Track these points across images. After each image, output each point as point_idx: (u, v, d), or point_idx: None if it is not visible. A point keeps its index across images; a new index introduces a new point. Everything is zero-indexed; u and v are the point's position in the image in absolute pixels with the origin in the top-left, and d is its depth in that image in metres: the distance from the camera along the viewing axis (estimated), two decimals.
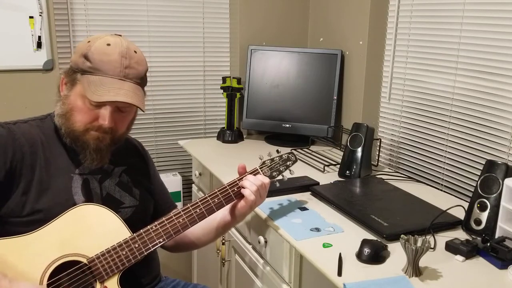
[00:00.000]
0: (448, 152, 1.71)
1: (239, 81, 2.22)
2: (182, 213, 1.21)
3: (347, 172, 1.72)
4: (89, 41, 1.17)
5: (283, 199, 1.53)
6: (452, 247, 1.20)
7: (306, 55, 2.18)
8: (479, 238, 1.22)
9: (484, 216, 1.27)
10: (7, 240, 1.08)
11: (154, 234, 1.17)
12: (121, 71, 1.14)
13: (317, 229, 1.31)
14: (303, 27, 2.42)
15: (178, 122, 2.40)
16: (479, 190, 1.30)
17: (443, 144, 1.72)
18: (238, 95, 2.24)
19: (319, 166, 1.86)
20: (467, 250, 1.17)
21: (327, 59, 2.14)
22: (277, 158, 1.39)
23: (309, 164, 1.90)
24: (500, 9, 1.49)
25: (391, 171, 1.88)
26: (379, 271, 1.11)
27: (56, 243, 1.10)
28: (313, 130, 2.17)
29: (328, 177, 1.74)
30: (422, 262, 1.11)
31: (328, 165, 1.84)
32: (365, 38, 1.98)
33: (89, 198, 1.20)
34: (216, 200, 1.25)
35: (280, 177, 1.39)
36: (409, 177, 1.79)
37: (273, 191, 1.54)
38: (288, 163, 1.40)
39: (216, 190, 1.27)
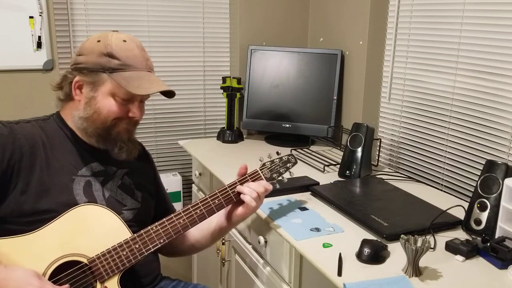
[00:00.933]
0: (448, 152, 1.71)
1: (239, 81, 2.22)
2: (182, 213, 1.21)
3: (347, 172, 1.72)
4: (99, 41, 1.18)
5: (283, 199, 1.53)
6: (452, 247, 1.20)
7: (306, 55, 2.18)
8: (479, 238, 1.22)
9: (484, 216, 1.27)
10: (8, 240, 1.08)
11: (155, 234, 1.17)
12: (146, 64, 1.22)
13: (317, 229, 1.31)
14: (303, 27, 2.42)
15: (178, 122, 2.40)
16: (479, 190, 1.30)
17: (443, 144, 1.72)
18: (238, 95, 2.24)
19: (319, 166, 1.86)
20: (467, 250, 1.17)
21: (327, 59, 2.14)
22: (277, 160, 1.39)
23: (309, 164, 1.90)
24: (500, 9, 1.49)
25: (391, 171, 1.88)
26: (379, 271, 1.11)
27: (56, 243, 1.10)
28: (313, 130, 2.17)
29: (328, 177, 1.74)
30: (422, 262, 1.11)
31: (328, 165, 1.84)
32: (365, 38, 1.98)
33: (92, 199, 1.21)
34: (217, 201, 1.26)
35: (280, 178, 1.39)
36: (409, 177, 1.79)
37: (273, 192, 1.54)
38: (288, 165, 1.40)
39: (217, 191, 1.27)
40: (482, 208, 1.28)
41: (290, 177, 1.42)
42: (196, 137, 2.42)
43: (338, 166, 1.80)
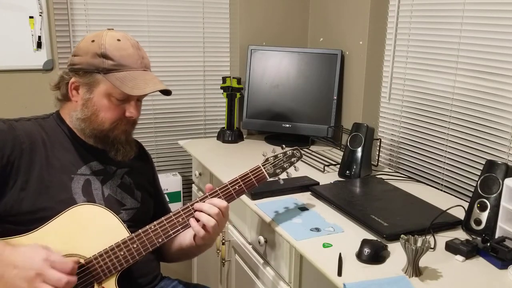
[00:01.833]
0: (448, 152, 1.71)
1: (239, 81, 2.22)
2: (181, 212, 1.20)
3: (347, 172, 1.72)
4: (93, 41, 1.18)
5: (283, 199, 1.53)
6: (452, 247, 1.20)
7: (306, 55, 2.18)
8: (479, 238, 1.22)
9: (484, 216, 1.27)
10: (7, 241, 1.08)
11: (153, 234, 1.17)
12: (141, 63, 1.21)
13: (317, 229, 1.31)
14: (303, 27, 2.42)
15: (178, 122, 2.40)
16: (479, 190, 1.29)
17: (443, 144, 1.72)
18: (238, 95, 2.24)
19: (319, 166, 1.86)
20: (467, 250, 1.17)
21: (327, 59, 2.14)
22: (281, 154, 1.35)
23: (309, 164, 1.90)
24: (500, 9, 1.49)
25: (391, 171, 1.88)
26: (379, 271, 1.11)
27: (54, 244, 1.10)
28: (313, 130, 2.17)
29: (328, 177, 1.74)
30: (422, 262, 1.11)
31: (328, 165, 1.84)
32: (365, 38, 1.98)
33: (90, 198, 1.21)
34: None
35: (284, 174, 1.35)
36: (409, 177, 1.79)
37: (273, 191, 1.55)
38: (292, 159, 1.36)
39: (217, 189, 1.26)
40: (482, 208, 1.28)
41: (295, 172, 1.38)
42: (196, 137, 2.42)
43: (338, 166, 1.80)
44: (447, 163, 1.71)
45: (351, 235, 1.29)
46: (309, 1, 2.39)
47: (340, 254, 1.17)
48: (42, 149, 1.18)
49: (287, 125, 2.21)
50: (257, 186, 1.29)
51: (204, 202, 1.19)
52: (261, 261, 1.55)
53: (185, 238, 1.34)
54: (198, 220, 1.18)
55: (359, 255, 1.16)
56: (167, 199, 1.52)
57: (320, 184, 1.62)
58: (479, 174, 1.32)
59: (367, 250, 1.15)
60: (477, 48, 1.57)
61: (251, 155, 1.99)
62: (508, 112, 1.48)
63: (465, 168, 1.64)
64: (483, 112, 1.57)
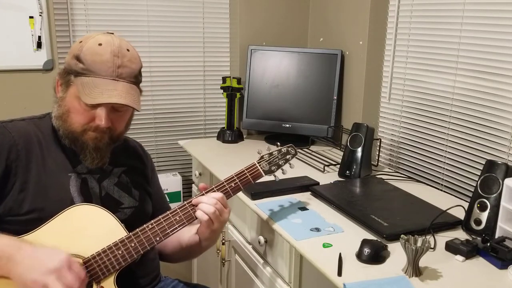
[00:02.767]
0: (448, 152, 1.71)
1: (239, 81, 2.22)
2: (178, 210, 1.20)
3: (347, 172, 1.72)
4: (81, 41, 1.17)
5: (283, 199, 1.53)
6: (452, 247, 1.20)
7: (306, 55, 2.18)
8: (479, 238, 1.22)
9: (484, 216, 1.27)
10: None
11: (151, 232, 1.16)
12: (114, 71, 1.14)
13: (317, 229, 1.31)
14: (303, 27, 2.42)
15: (178, 122, 2.40)
16: (479, 190, 1.29)
17: (443, 144, 1.72)
18: (238, 95, 2.24)
19: (319, 166, 1.86)
20: (467, 250, 1.17)
21: (327, 59, 2.14)
22: (276, 152, 1.36)
23: (309, 164, 1.90)
24: (500, 9, 1.49)
25: (391, 171, 1.88)
26: (379, 271, 1.11)
27: (51, 244, 1.10)
28: (313, 130, 2.17)
29: (328, 177, 1.74)
30: (422, 262, 1.11)
31: (328, 165, 1.84)
32: (365, 38, 1.98)
33: (88, 197, 1.20)
34: None
35: (279, 171, 1.36)
36: (409, 177, 1.79)
37: (273, 191, 1.55)
38: (287, 156, 1.37)
39: (214, 187, 1.26)
40: (482, 208, 1.28)
41: (290, 169, 1.39)
42: (196, 137, 2.42)
43: (338, 166, 1.80)
44: (447, 163, 1.71)
45: (351, 235, 1.29)
46: (309, 1, 2.39)
47: (340, 254, 1.17)
48: (38, 149, 1.17)
49: (287, 125, 2.21)
50: (253, 183, 1.30)
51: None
52: (261, 261, 1.55)
53: (185, 236, 1.34)
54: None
55: (359, 255, 1.16)
56: (167, 199, 1.51)
57: (320, 184, 1.62)
58: (479, 174, 1.32)
59: (367, 250, 1.15)
60: (477, 48, 1.57)
61: (251, 155, 1.97)
62: (508, 112, 1.48)
63: (465, 168, 1.64)
64: (483, 112, 1.56)
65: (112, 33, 1.21)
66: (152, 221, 1.18)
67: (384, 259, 1.17)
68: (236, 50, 2.34)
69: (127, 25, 2.20)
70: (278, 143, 1.40)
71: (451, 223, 1.34)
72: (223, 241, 1.76)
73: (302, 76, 2.19)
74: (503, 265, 1.12)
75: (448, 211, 1.36)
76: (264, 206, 1.46)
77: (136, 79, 1.19)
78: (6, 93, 1.99)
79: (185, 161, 2.43)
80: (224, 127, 2.27)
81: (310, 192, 1.59)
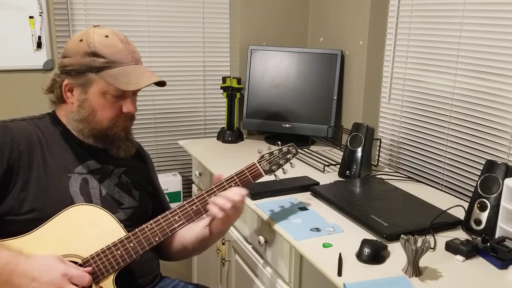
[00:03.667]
0: (448, 152, 1.71)
1: (239, 81, 2.22)
2: (178, 210, 1.20)
3: (347, 172, 1.72)
4: (81, 40, 1.17)
5: (283, 199, 1.53)
6: (452, 247, 1.20)
7: (306, 55, 2.18)
8: (479, 238, 1.22)
9: (484, 216, 1.27)
10: (3, 243, 1.08)
11: (150, 233, 1.17)
12: (132, 57, 1.20)
13: (317, 229, 1.31)
14: (303, 27, 2.42)
15: (178, 122, 2.40)
16: (479, 190, 1.29)
17: (443, 144, 1.72)
18: (238, 95, 2.24)
19: (319, 166, 1.86)
20: (467, 250, 1.17)
21: (327, 59, 2.14)
22: (277, 151, 1.36)
23: (309, 164, 1.90)
24: (500, 9, 1.49)
25: (391, 171, 1.88)
26: (379, 271, 1.11)
27: (51, 244, 1.10)
28: (313, 130, 2.17)
29: (328, 177, 1.74)
30: (422, 262, 1.11)
31: (328, 165, 1.84)
32: (365, 38, 1.98)
33: (88, 197, 1.20)
34: (214, 196, 1.24)
35: (280, 171, 1.36)
36: (409, 177, 1.79)
37: (273, 191, 1.55)
38: (288, 156, 1.36)
39: (214, 187, 1.26)
40: (482, 208, 1.28)
41: (291, 168, 1.38)
42: (196, 137, 2.42)
43: (338, 166, 1.80)
44: (447, 163, 1.71)
45: (351, 235, 1.29)
46: (309, 1, 2.39)
47: (340, 254, 1.17)
48: (39, 149, 1.18)
49: (287, 125, 2.21)
50: (253, 182, 1.30)
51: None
52: (261, 261, 1.55)
53: (186, 235, 1.35)
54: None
55: (359, 255, 1.16)
56: (168, 199, 1.51)
57: (320, 184, 1.62)
58: (479, 174, 1.32)
59: (367, 250, 1.15)
60: (477, 48, 1.57)
61: (251, 155, 1.97)
62: (508, 112, 1.48)
63: (465, 168, 1.64)
64: (483, 112, 1.57)
65: (98, 25, 1.23)
66: (151, 221, 1.18)
67: (384, 259, 1.17)
68: (236, 50, 2.34)
69: (127, 25, 2.20)
70: (279, 142, 1.39)
71: (451, 223, 1.34)
72: (223, 241, 1.76)
73: (302, 76, 2.19)
74: (503, 265, 1.12)
75: (448, 211, 1.36)
76: (264, 206, 1.46)
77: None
78: (6, 93, 1.99)
79: (185, 161, 2.43)
80: (224, 127, 2.27)
81: (310, 192, 1.59)
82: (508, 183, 1.21)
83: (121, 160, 1.29)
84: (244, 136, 2.30)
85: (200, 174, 2.14)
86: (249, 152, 2.06)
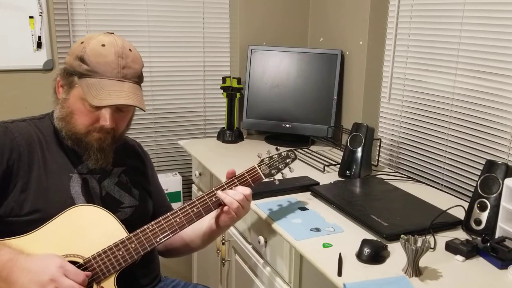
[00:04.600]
0: (448, 152, 1.71)
1: (239, 81, 2.22)
2: (179, 212, 1.21)
3: (347, 172, 1.72)
4: (82, 42, 1.16)
5: (283, 199, 1.53)
6: (452, 247, 1.20)
7: (306, 55, 2.18)
8: (479, 238, 1.22)
9: (484, 216, 1.27)
10: (5, 242, 1.08)
11: (151, 233, 1.17)
12: (119, 72, 1.14)
13: (317, 229, 1.31)
14: (303, 27, 2.42)
15: (178, 122, 2.40)
16: (479, 190, 1.29)
17: (443, 144, 1.72)
18: (238, 95, 2.24)
19: (319, 166, 1.86)
20: (467, 250, 1.17)
21: (327, 59, 2.14)
22: (276, 156, 1.37)
23: (309, 164, 1.90)
24: (500, 9, 1.49)
25: (391, 171, 1.88)
26: (379, 271, 1.11)
27: (52, 245, 1.10)
28: (313, 130, 2.17)
29: (328, 177, 1.74)
30: (422, 262, 1.11)
31: (328, 165, 1.84)
32: (365, 38, 1.98)
33: (89, 197, 1.20)
34: (214, 199, 1.25)
35: (279, 175, 1.37)
36: (409, 177, 1.79)
37: (273, 191, 1.55)
38: (287, 160, 1.38)
39: (214, 189, 1.26)
40: (482, 208, 1.28)
41: (290, 173, 1.40)
42: (196, 137, 2.42)
43: (338, 166, 1.80)
44: (447, 163, 1.71)
45: (351, 235, 1.29)
46: (309, 1, 2.39)
47: (340, 254, 1.17)
48: (39, 150, 1.18)
49: (287, 125, 2.21)
50: (253, 186, 1.31)
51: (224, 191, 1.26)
52: (261, 261, 1.55)
53: (188, 232, 1.35)
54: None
55: (359, 255, 1.16)
56: (169, 199, 1.52)
57: (320, 184, 1.62)
58: (479, 174, 1.32)
59: (367, 250, 1.15)
60: (477, 48, 1.57)
61: (251, 155, 1.98)
62: (508, 112, 1.48)
63: (465, 168, 1.64)
64: (483, 112, 1.57)
65: (112, 33, 1.21)
66: (152, 222, 1.18)
67: (384, 259, 1.17)
68: (236, 50, 2.34)
69: (127, 25, 2.20)
70: (278, 147, 1.41)
71: (451, 223, 1.34)
72: (223, 241, 1.76)
73: (302, 76, 2.19)
74: (503, 265, 1.13)
75: (448, 211, 1.36)
76: (264, 206, 1.46)
77: (139, 79, 1.20)
78: (6, 93, 1.99)
79: (185, 161, 2.43)
80: (224, 127, 2.27)
81: (310, 192, 1.59)
82: (508, 183, 1.21)
83: (120, 160, 1.29)
84: (244, 136, 2.30)
85: (200, 174, 2.14)
86: (249, 152, 2.06)
